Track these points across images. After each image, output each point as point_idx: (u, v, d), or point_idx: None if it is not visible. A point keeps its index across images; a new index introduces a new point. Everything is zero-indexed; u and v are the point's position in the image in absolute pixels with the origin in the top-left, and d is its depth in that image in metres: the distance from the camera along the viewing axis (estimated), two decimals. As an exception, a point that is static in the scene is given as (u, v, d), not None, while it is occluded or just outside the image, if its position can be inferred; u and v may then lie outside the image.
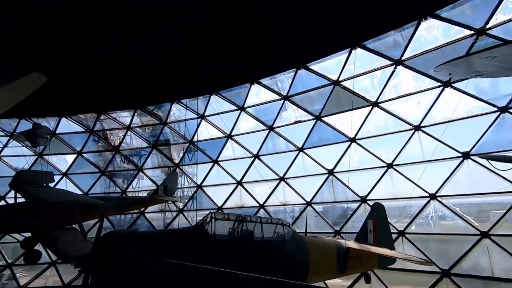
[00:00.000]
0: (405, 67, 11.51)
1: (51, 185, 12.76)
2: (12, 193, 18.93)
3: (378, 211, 10.07)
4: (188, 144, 17.67)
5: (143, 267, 4.34)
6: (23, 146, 18.56)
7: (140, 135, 18.36)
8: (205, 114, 16.61)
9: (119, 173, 19.75)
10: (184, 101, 16.54)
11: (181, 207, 17.99)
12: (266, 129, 15.60)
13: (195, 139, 17.36)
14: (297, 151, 15.15)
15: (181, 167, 18.27)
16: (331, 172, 14.36)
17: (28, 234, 10.65)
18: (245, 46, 11.96)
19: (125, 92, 15.72)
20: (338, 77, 12.94)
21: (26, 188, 9.09)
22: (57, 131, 18.38)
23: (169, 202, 16.19)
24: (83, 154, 18.95)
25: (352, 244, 8.75)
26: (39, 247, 11.10)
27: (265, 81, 14.45)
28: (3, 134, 18.28)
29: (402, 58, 11.38)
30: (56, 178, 19.11)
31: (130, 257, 4.52)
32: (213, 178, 17.69)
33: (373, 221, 9.67)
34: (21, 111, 17.29)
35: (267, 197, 16.11)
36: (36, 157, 18.81)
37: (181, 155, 18.29)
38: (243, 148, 16.48)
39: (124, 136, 18.40)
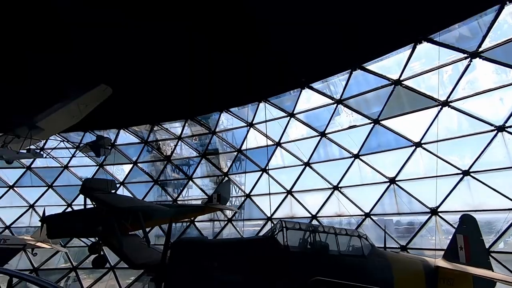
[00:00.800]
0: (483, 59, 10.10)
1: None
2: (77, 201, 20.71)
3: (467, 224, 8.58)
4: (236, 152, 17.61)
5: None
6: (87, 156, 20.16)
7: (190, 145, 18.80)
8: (254, 122, 16.44)
9: (170, 182, 20.37)
10: (233, 109, 16.59)
11: (230, 217, 17.83)
12: (318, 136, 14.87)
13: (243, 147, 17.23)
14: (352, 158, 14.12)
15: (229, 176, 18.22)
16: (392, 181, 13.05)
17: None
18: (295, 48, 11.59)
19: (177, 103, 16.28)
20: (400, 76, 11.85)
21: (95, 194, 9.57)
22: (116, 143, 19.63)
23: (219, 211, 16.11)
24: (138, 164, 19.95)
25: (441, 262, 7.40)
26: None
27: (316, 85, 13.86)
28: (71, 146, 19.98)
29: (479, 50, 10.01)
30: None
31: (203, 266, 4.21)
32: (262, 187, 17.31)
33: (463, 236, 8.21)
34: (85, 124, 18.84)
35: (320, 207, 15.19)
36: (98, 167, 20.24)
37: (229, 164, 18.27)
38: (293, 155, 15.90)
39: (175, 146, 18.99)
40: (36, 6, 10.06)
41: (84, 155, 20.21)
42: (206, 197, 18.09)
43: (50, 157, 20.15)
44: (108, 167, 20.35)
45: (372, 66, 12.36)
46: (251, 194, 17.33)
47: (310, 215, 15.27)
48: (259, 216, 17.24)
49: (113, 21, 9.95)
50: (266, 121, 15.81)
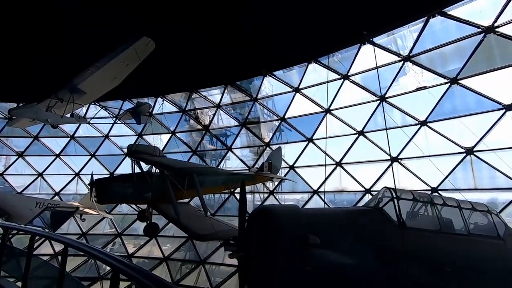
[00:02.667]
0: None
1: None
2: (119, 170, 20.98)
3: None
4: (279, 121, 16.29)
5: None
6: (126, 125, 20.00)
7: (229, 114, 17.76)
8: (300, 87, 14.87)
9: (208, 152, 19.78)
10: (278, 73, 15.07)
11: (271, 189, 16.97)
12: (376, 100, 13.05)
13: (287, 115, 15.86)
14: (418, 125, 12.26)
15: (271, 146, 17.11)
16: (470, 152, 11.13)
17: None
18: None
19: (216, 67, 15.08)
20: (495, 21, 9.54)
21: (147, 156, 8.98)
22: (154, 112, 19.09)
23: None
24: (176, 134, 19.44)
25: None
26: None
27: (380, 39, 11.84)
28: (110, 115, 19.83)
29: None
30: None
31: (304, 243, 3.16)
32: (307, 158, 16.05)
33: None
34: (122, 92, 18.30)
35: (375, 181, 13.70)
36: (137, 136, 20.06)
37: (271, 133, 17.10)
38: (344, 123, 14.28)
39: (214, 115, 18.07)
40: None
41: (123, 124, 20.15)
42: (246, 168, 17.31)
43: (92, 127, 20.41)
44: (146, 137, 20.12)
45: (456, 11, 10.09)
46: (294, 165, 16.18)
47: (363, 189, 13.90)
48: (303, 189, 16.18)
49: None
50: (316, 84, 14.22)
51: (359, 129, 13.94)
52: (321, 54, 13.24)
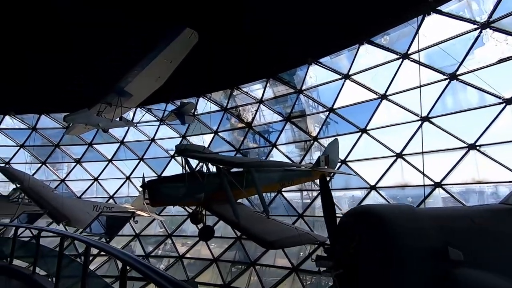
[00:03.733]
0: None
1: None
2: (166, 172, 21.41)
3: None
4: (327, 112, 15.07)
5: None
6: (170, 127, 20.28)
7: (272, 108, 16.96)
8: (351, 73, 13.51)
9: (251, 150, 19.20)
10: (324, 60, 13.89)
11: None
12: (445, 79, 11.26)
13: (337, 105, 14.58)
14: (503, 104, 10.27)
15: (319, 140, 15.96)
16: None
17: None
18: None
19: (256, 61, 14.35)
20: None
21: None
22: (195, 112, 19.02)
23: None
24: (219, 133, 19.18)
25: None
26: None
27: (450, 5, 10.09)
28: (155, 119, 20.22)
29: None
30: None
31: (430, 256, 2.20)
32: (361, 151, 14.62)
33: None
34: (164, 95, 18.41)
35: (447, 173, 11.89)
36: (181, 138, 20.23)
37: (319, 126, 15.94)
38: (404, 109, 12.63)
39: (257, 111, 17.40)
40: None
41: (168, 127, 20.47)
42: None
43: (139, 131, 21.07)
44: (190, 138, 20.20)
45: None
46: (346, 160, 14.84)
47: (432, 183, 12.15)
48: (358, 185, 14.79)
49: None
50: (368, 68, 12.78)
51: (423, 114, 12.20)
52: (374, 33, 11.78)
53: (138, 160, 21.31)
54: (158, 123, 20.22)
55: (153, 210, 17.17)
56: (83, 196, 21.49)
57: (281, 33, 12.23)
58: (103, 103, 11.14)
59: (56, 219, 9.46)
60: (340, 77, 13.75)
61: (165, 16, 10.77)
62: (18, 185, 12.42)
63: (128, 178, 21.57)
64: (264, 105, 16.92)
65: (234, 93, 17.55)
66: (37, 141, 21.68)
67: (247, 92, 17.14)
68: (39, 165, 21.81)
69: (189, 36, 8.20)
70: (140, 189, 20.48)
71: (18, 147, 21.54)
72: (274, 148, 17.56)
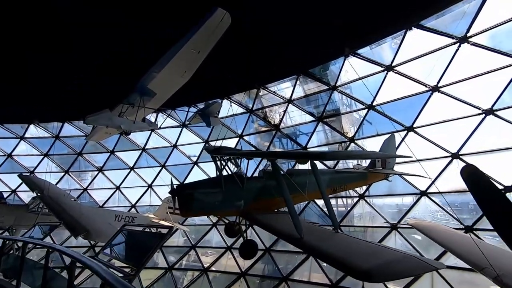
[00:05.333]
0: None
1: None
2: (188, 179, 20.44)
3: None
4: (367, 109, 13.55)
5: None
6: (193, 132, 19.40)
7: (302, 108, 15.62)
8: (394, 64, 12.00)
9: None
10: (363, 51, 12.46)
11: (362, 192, 14.16)
12: (515, 64, 9.54)
13: (377, 101, 13.05)
14: None
15: (356, 141, 14.41)
16: None
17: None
18: None
19: (285, 56, 13.18)
20: None
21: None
22: (219, 115, 18.02)
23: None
24: (244, 137, 18.03)
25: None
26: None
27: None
28: (178, 124, 19.41)
29: None
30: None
31: None
32: (408, 151, 12.88)
33: None
34: (185, 97, 17.50)
35: (520, 175, 10.02)
36: (204, 143, 19.26)
37: (356, 126, 14.41)
38: (462, 102, 10.93)
39: (285, 111, 16.13)
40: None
41: (190, 132, 19.61)
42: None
43: (161, 137, 20.35)
44: (213, 143, 19.17)
45: None
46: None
47: (501, 187, 10.30)
48: (405, 190, 13.07)
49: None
50: (417, 57, 11.20)
51: (486, 106, 10.48)
52: (425, 16, 10.26)
53: (160, 167, 20.54)
54: (180, 128, 19.41)
55: (177, 219, 16.16)
56: (105, 206, 20.91)
57: (311, 21, 11.00)
58: (125, 104, 10.28)
59: (73, 231, 8.56)
60: (382, 69, 12.26)
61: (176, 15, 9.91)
62: (38, 194, 11.77)
63: (150, 186, 20.82)
64: (293, 105, 15.62)
65: (260, 94, 16.39)
66: (61, 150, 21.48)
67: (274, 92, 15.93)
68: (62, 174, 21.51)
69: (221, 18, 7.11)
70: (163, 197, 20.12)
71: (42, 156, 21.38)
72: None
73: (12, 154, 21.44)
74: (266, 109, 16.71)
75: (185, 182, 6.58)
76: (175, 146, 20.09)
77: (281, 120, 16.49)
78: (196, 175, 19.77)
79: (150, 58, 9.17)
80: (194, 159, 19.94)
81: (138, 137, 21.09)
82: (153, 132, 20.27)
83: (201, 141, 19.42)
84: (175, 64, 8.40)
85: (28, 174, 20.49)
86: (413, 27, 10.82)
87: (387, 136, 13.37)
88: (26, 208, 11.58)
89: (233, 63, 13.58)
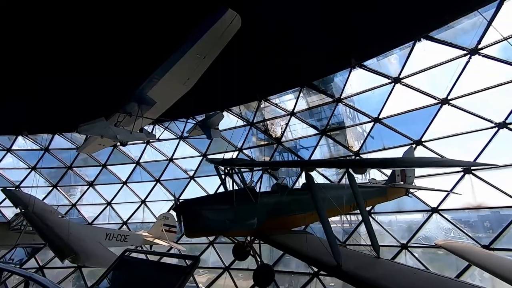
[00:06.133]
0: None
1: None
2: (185, 195, 19.47)
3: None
4: (372, 122, 13.14)
5: None
6: (190, 145, 18.68)
7: (305, 121, 15.16)
8: (401, 76, 11.71)
9: (280, 169, 17.21)
10: (369, 63, 12.18)
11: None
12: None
13: (384, 114, 12.68)
14: None
15: (361, 155, 13.90)
16: None
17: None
18: None
19: (289, 67, 12.85)
20: None
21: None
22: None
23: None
24: (244, 151, 17.39)
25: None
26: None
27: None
28: (175, 136, 18.70)
29: None
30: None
31: None
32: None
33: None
34: (184, 109, 16.85)
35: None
36: (201, 157, 18.54)
37: (361, 140, 13.95)
38: (474, 115, 10.58)
39: (287, 124, 15.63)
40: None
41: (187, 145, 18.90)
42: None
43: (157, 150, 19.55)
44: (212, 156, 18.46)
45: None
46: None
47: (517, 204, 9.80)
48: (415, 207, 12.47)
49: None
50: (426, 69, 10.91)
51: (499, 119, 10.15)
52: (434, 26, 10.05)
53: (155, 182, 19.60)
54: (177, 140, 18.69)
55: (172, 238, 15.14)
56: (94, 222, 19.68)
57: (315, 32, 10.74)
58: (121, 113, 9.61)
59: (59, 253, 7.55)
60: (389, 81, 11.96)
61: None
62: (22, 210, 10.76)
63: (143, 202, 19.77)
64: (296, 118, 15.15)
65: (262, 106, 15.93)
66: (50, 163, 20.40)
67: (276, 104, 15.49)
68: (50, 188, 20.33)
69: (231, 20, 6.65)
70: (157, 213, 19.05)
71: (30, 170, 20.26)
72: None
73: (-3, 167, 20.26)
74: (268, 122, 16.19)
75: (190, 198, 5.82)
76: (171, 159, 19.29)
77: (282, 133, 15.96)
78: (193, 191, 18.91)
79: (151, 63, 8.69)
80: (191, 173, 19.12)
81: (132, 150, 20.27)
82: (148, 145, 19.50)
83: (199, 154, 18.70)
84: (178, 70, 7.85)
85: (13, 188, 19.30)
86: (421, 39, 10.60)
87: (393, 150, 12.93)
88: (8, 226, 10.55)
89: (234, 73, 13.18)
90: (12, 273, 4.61)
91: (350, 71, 12.58)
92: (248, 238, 6.69)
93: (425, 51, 10.79)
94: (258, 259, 6.42)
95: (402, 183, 9.19)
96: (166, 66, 7.83)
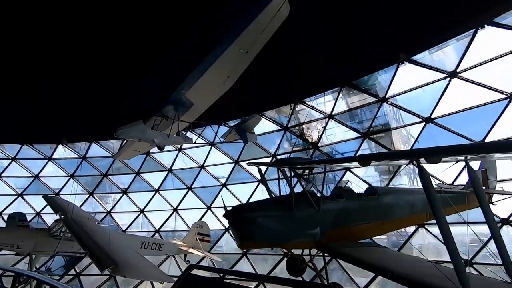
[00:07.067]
0: None
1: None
2: (217, 203, 18.96)
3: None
4: (423, 123, 11.86)
5: None
6: (221, 152, 18.25)
7: (345, 124, 14.14)
8: (459, 70, 10.46)
9: (318, 175, 16.19)
10: (419, 56, 11.05)
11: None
12: None
13: (437, 113, 11.39)
14: None
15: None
16: None
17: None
18: None
19: (328, 66, 12.04)
20: None
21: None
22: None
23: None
24: (277, 157, 16.61)
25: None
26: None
27: None
28: (206, 143, 18.36)
29: None
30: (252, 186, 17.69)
31: None
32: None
33: None
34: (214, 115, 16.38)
35: None
36: (234, 164, 18.03)
37: (411, 141, 12.68)
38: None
39: (325, 127, 14.69)
40: None
41: (219, 151, 18.50)
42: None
43: (188, 157, 19.35)
44: (244, 163, 17.89)
45: None
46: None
47: None
48: (480, 218, 10.87)
49: None
50: (487, 61, 9.63)
51: None
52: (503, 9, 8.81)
53: (186, 190, 19.34)
54: (208, 147, 18.37)
55: (206, 247, 14.59)
56: (128, 230, 19.72)
57: (360, 25, 9.88)
58: (158, 116, 9.31)
59: (100, 263, 7.21)
60: (444, 76, 10.73)
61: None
62: (61, 216, 10.77)
63: (175, 210, 19.55)
64: (334, 120, 14.19)
65: (297, 109, 15.17)
66: (88, 171, 20.91)
67: (313, 106, 14.65)
68: (87, 196, 20.79)
69: (279, 7, 6.03)
70: (189, 221, 18.68)
71: (68, 177, 20.90)
72: (348, 172, 14.40)
73: (39, 175, 21.08)
74: (303, 126, 15.36)
75: (242, 203, 5.14)
76: (202, 166, 18.98)
77: (320, 138, 15.03)
78: (226, 199, 18.35)
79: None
80: (223, 180, 18.63)
81: (164, 157, 20.25)
82: (180, 152, 19.38)
83: (231, 161, 18.20)
84: (219, 67, 7.36)
85: (53, 195, 19.92)
86: (485, 25, 9.37)
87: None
88: (48, 232, 10.59)
89: (269, 74, 12.60)
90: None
91: (398, 67, 11.49)
92: (306, 251, 5.84)
93: (489, 40, 9.52)
94: (323, 276, 5.52)
95: (485, 187, 7.89)
96: (206, 63, 7.37)
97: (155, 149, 16.67)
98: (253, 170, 18.26)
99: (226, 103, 9.87)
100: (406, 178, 13.63)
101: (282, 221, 5.04)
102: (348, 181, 5.26)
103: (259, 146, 16.89)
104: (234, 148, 18.17)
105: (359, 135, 13.74)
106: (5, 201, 20.62)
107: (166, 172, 20.00)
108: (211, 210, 18.64)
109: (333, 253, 4.99)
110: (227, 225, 18.63)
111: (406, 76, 11.64)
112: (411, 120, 12.47)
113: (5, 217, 18.22)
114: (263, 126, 16.91)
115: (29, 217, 17.14)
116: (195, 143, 10.90)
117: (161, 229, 19.74)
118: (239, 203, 15.55)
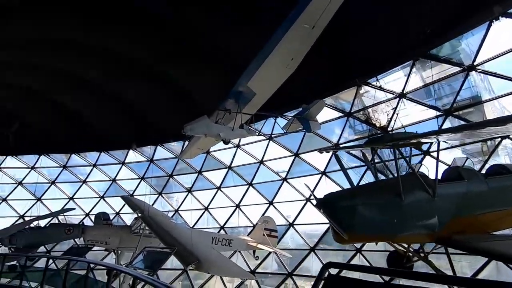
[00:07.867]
0: None
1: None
2: (279, 197, 18.43)
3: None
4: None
5: None
6: (280, 145, 17.75)
7: (422, 102, 12.41)
8: None
9: (389, 163, 14.61)
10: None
11: None
12: None
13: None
14: None
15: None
16: None
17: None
18: None
19: (397, 35, 10.60)
20: None
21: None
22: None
23: None
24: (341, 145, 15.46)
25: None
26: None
27: None
28: (264, 138, 18.00)
29: None
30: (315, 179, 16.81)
31: None
32: None
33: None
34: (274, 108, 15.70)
35: None
36: (294, 156, 17.41)
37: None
38: None
39: (395, 109, 13.12)
40: None
41: (278, 145, 18.04)
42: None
43: (246, 153, 19.31)
44: (304, 155, 17.17)
45: None
46: None
47: None
48: None
49: None
50: None
51: None
52: None
53: (247, 186, 19.34)
54: (266, 141, 18.03)
55: (274, 243, 14.27)
56: (196, 227, 20.55)
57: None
58: (221, 110, 9.16)
59: (183, 259, 7.37)
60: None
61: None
62: (139, 214, 11.52)
63: (237, 206, 19.72)
64: (408, 99, 12.56)
65: (361, 91, 13.86)
66: (156, 172, 22.37)
67: (380, 87, 13.20)
68: (156, 196, 22.26)
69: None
70: (252, 217, 18.67)
71: (139, 180, 22.62)
72: (428, 156, 12.62)
73: (116, 178, 23.24)
74: (369, 109, 13.97)
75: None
76: (261, 162, 18.74)
77: (389, 121, 13.49)
78: (287, 193, 17.89)
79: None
80: (283, 174, 18.15)
81: (223, 155, 20.56)
82: (238, 148, 19.44)
83: (290, 154, 17.61)
84: (283, 47, 6.78)
85: (129, 196, 21.74)
86: None
87: None
88: (130, 229, 11.44)
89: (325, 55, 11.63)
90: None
91: (489, 25, 9.52)
92: (415, 246, 4.92)
93: None
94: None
95: None
96: (269, 46, 6.87)
97: (215, 147, 17.05)
98: (315, 161, 17.43)
99: (281, 94, 9.29)
100: (505, 159, 11.43)
101: (388, 210, 4.20)
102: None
103: (319, 135, 15.94)
104: (292, 141, 17.53)
105: (440, 113, 11.90)
106: (91, 203, 23.23)
107: (226, 170, 20.27)
108: (273, 205, 18.33)
109: (464, 248, 4.01)
110: (291, 220, 18.32)
111: (501, 35, 9.62)
112: (507, 89, 10.33)
113: (92, 217, 20.53)
114: (321, 114, 15.92)
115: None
116: (258, 134, 10.43)
117: (225, 226, 20.12)
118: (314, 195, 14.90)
